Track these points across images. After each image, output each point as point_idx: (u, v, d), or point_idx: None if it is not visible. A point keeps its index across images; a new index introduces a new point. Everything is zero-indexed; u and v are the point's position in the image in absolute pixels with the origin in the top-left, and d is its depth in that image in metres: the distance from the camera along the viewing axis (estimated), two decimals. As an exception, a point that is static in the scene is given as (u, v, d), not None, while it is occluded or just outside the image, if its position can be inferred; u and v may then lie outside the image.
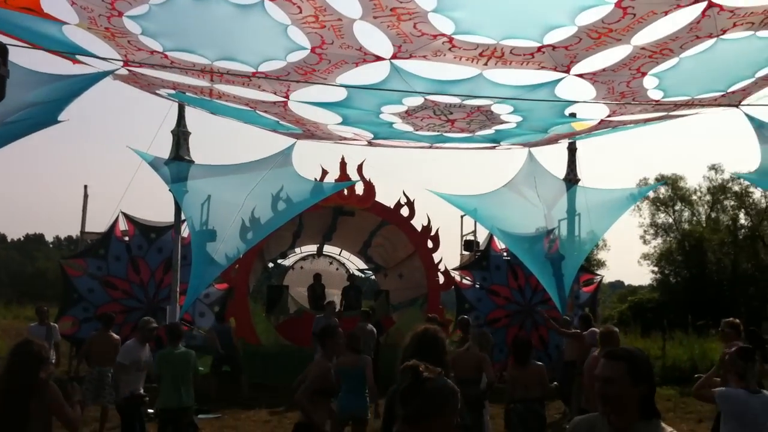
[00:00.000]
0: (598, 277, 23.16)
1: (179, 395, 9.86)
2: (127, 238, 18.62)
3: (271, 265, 27.61)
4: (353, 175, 20.65)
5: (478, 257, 20.90)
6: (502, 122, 11.94)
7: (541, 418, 9.75)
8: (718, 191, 45.24)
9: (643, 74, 9.37)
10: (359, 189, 21.09)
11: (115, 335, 13.01)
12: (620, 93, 10.10)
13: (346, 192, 20.69)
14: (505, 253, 20.38)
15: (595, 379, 3.87)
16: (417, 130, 12.47)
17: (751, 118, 10.82)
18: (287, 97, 10.53)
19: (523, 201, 15.30)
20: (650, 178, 47.31)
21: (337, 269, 28.53)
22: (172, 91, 11.07)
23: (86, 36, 8.48)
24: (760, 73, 9.43)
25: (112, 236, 18.42)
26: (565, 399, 14.73)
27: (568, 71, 9.27)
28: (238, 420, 14.55)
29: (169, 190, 13.91)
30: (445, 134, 12.78)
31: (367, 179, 21.09)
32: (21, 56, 8.26)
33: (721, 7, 7.41)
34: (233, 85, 10.12)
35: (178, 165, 14.42)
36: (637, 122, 12.21)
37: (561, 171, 17.06)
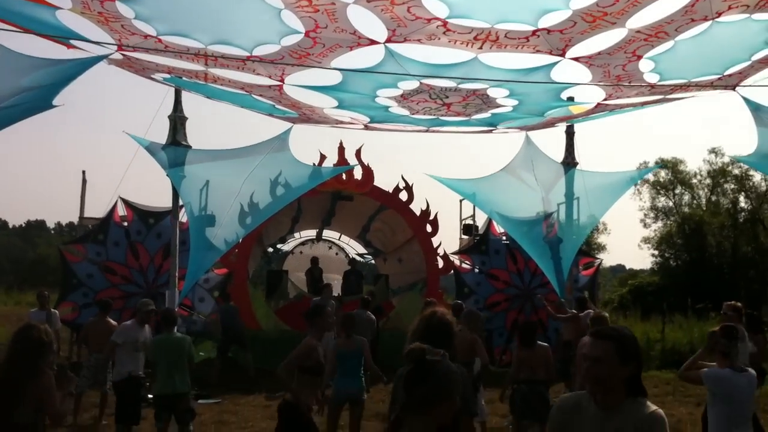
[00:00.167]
0: (598, 260, 23.18)
1: (173, 381, 9.84)
2: (125, 224, 18.63)
3: (270, 250, 27.66)
4: (351, 159, 20.66)
5: (477, 241, 20.92)
6: (498, 106, 11.93)
7: (545, 401, 9.78)
8: (719, 174, 45.17)
9: (639, 57, 9.36)
10: (358, 174, 21.10)
11: (112, 321, 13.02)
12: (616, 76, 10.08)
13: (344, 177, 20.70)
14: (504, 237, 20.40)
15: (584, 358, 3.88)
16: (413, 114, 12.46)
17: (747, 101, 10.79)
18: (282, 80, 10.51)
19: (520, 185, 15.31)
20: (650, 161, 47.34)
21: (336, 254, 28.61)
22: (168, 76, 11.05)
23: (80, 21, 8.45)
24: (756, 56, 9.40)
25: (111, 222, 18.45)
26: (565, 379, 14.77)
27: (563, 55, 9.25)
28: (237, 405, 14.57)
29: (167, 175, 13.89)
30: (442, 118, 12.78)
31: (366, 164, 21.10)
32: (14, 41, 8.23)
33: (716, -11, 7.40)
34: (228, 69, 10.10)
35: (175, 150, 14.40)
36: (634, 105, 12.20)
37: (559, 154, 17.05)
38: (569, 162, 16.88)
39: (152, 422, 10.34)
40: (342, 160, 20.37)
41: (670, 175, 46.59)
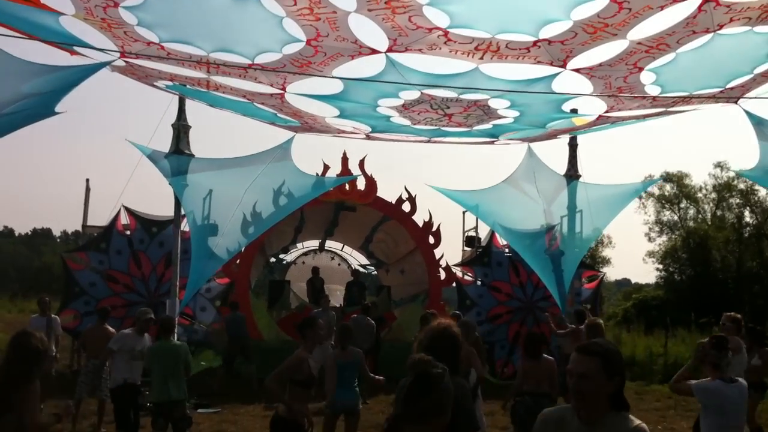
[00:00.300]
0: (600, 273, 23.16)
1: (168, 389, 9.86)
2: (128, 232, 18.67)
3: (273, 260, 27.67)
4: (355, 170, 20.69)
5: (480, 253, 20.93)
6: (500, 117, 11.92)
7: None
8: (724, 189, 45.11)
9: (640, 69, 9.34)
10: (361, 184, 21.12)
11: (110, 328, 13.05)
12: (617, 88, 10.07)
13: (347, 187, 20.74)
14: (506, 250, 20.39)
15: (569, 374, 3.86)
16: (414, 124, 12.46)
17: (750, 115, 10.77)
18: (284, 89, 10.51)
19: (522, 196, 15.30)
20: (656, 175, 47.24)
21: (339, 264, 28.62)
22: (170, 83, 11.07)
23: (83, 27, 8.46)
24: (759, 69, 9.38)
25: (114, 230, 18.51)
26: (566, 393, 14.73)
27: (564, 66, 9.24)
28: (237, 414, 14.59)
29: (169, 183, 13.89)
30: (443, 128, 12.77)
31: (369, 174, 21.12)
32: (18, 47, 8.23)
33: (717, 1, 7.38)
34: (230, 76, 10.11)
35: (178, 158, 14.41)
36: (636, 118, 12.18)
37: (562, 167, 17.05)
38: (572, 174, 16.89)
39: (150, 430, 10.33)
40: (345, 170, 20.41)
41: (676, 189, 46.53)
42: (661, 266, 45.56)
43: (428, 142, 14.30)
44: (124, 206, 18.53)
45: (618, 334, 27.16)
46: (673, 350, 23.48)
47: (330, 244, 28.62)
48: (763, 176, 12.13)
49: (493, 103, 11.13)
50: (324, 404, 9.90)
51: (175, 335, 14.10)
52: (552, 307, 17.41)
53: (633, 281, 68.84)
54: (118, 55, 9.16)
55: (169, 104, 14.60)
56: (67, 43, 8.61)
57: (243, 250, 19.58)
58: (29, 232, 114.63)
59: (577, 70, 9.42)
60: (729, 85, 9.95)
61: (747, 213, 44.76)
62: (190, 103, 14.62)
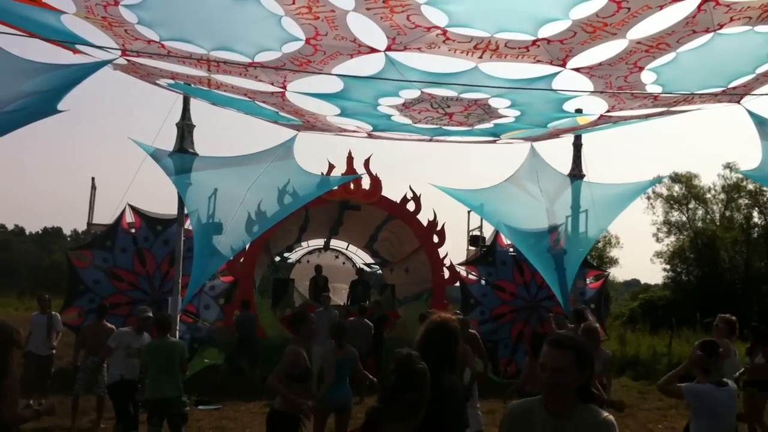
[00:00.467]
0: (605, 273, 23.15)
1: (163, 386, 9.88)
2: (133, 230, 18.69)
3: (277, 258, 27.70)
4: (359, 169, 20.72)
5: (484, 253, 20.90)
6: (501, 116, 11.92)
7: None
8: (733, 190, 45.03)
9: (641, 69, 9.32)
10: (365, 183, 21.15)
11: (109, 325, 13.11)
12: (618, 88, 10.06)
13: (352, 186, 20.75)
14: (511, 249, 20.37)
15: (542, 367, 3.88)
16: (416, 123, 12.47)
17: (752, 115, 10.74)
18: (284, 87, 10.53)
19: (525, 196, 15.28)
20: (665, 176, 47.15)
21: (343, 263, 28.65)
22: (172, 81, 11.09)
23: (85, 25, 8.49)
24: (761, 69, 9.34)
25: (119, 228, 18.48)
26: None
27: (564, 65, 9.23)
28: (237, 411, 14.64)
29: (172, 182, 13.91)
30: (445, 127, 12.78)
31: (374, 174, 21.14)
32: (18, 46, 8.27)
33: (717, 1, 7.35)
34: (230, 75, 10.13)
35: (181, 157, 14.44)
36: (638, 118, 12.16)
37: (566, 166, 17.03)
38: (576, 174, 16.84)
39: (148, 426, 10.37)
40: (350, 169, 20.42)
41: (684, 190, 46.44)
42: (668, 266, 45.48)
43: (430, 141, 14.31)
44: (129, 204, 18.54)
45: (622, 334, 27.12)
46: (677, 350, 23.45)
47: (335, 243, 28.67)
48: (766, 176, 12.09)
49: (494, 103, 11.13)
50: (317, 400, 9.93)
51: (177, 333, 14.22)
52: (556, 307, 17.38)
53: (642, 282, 68.77)
54: (120, 53, 9.19)
55: (173, 103, 14.56)
56: (67, 41, 8.63)
57: (247, 248, 19.65)
58: (40, 231, 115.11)
59: (577, 70, 9.41)
60: (731, 85, 9.92)
61: (755, 214, 44.69)
62: (194, 103, 14.66)
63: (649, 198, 47.19)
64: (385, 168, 56.16)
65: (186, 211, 14.12)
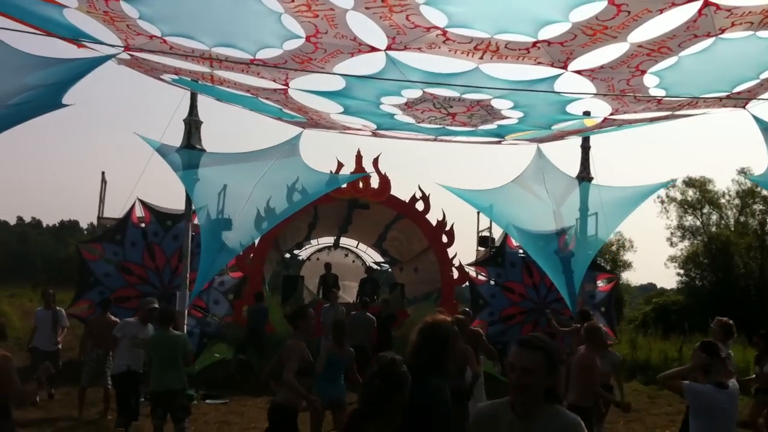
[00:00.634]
0: (615, 276, 23.06)
1: (166, 378, 9.92)
2: (143, 225, 18.79)
3: (287, 255, 27.78)
4: (368, 168, 20.75)
5: (494, 253, 20.88)
6: (504, 117, 11.91)
7: None
8: (747, 195, 44.71)
9: (643, 72, 9.29)
10: (374, 182, 21.16)
11: (113, 318, 13.17)
12: (620, 91, 10.02)
13: (361, 185, 20.78)
14: (520, 250, 20.34)
15: (511, 368, 3.88)
16: (419, 123, 12.48)
17: (758, 120, 10.68)
18: (287, 84, 10.56)
19: (531, 197, 15.25)
20: (678, 180, 46.89)
21: (353, 261, 28.69)
22: (175, 77, 11.12)
23: (88, 20, 8.53)
24: (765, 75, 9.30)
25: (129, 222, 18.60)
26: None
27: (565, 68, 9.21)
28: (243, 406, 14.68)
29: (179, 177, 13.97)
30: (448, 127, 12.78)
31: (383, 173, 21.15)
32: (22, 41, 8.33)
33: (717, 6, 7.32)
34: (233, 71, 10.15)
35: (189, 153, 14.51)
36: (642, 121, 12.12)
37: (573, 168, 16.98)
38: (584, 177, 16.80)
39: (151, 418, 10.42)
40: (359, 168, 20.44)
41: (698, 195, 46.18)
42: (682, 271, 45.24)
43: (435, 140, 14.31)
44: (139, 199, 18.65)
45: (634, 338, 26.94)
46: (688, 355, 23.11)
47: (345, 241, 28.75)
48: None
49: (496, 104, 11.12)
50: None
51: (185, 327, 14.29)
52: (565, 308, 17.34)
53: (659, 286, 68.45)
54: (123, 48, 9.23)
55: (181, 100, 14.65)
56: (73, 36, 8.67)
57: (257, 245, 19.73)
58: (57, 224, 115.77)
59: (579, 72, 9.39)
60: (735, 90, 9.87)
61: (771, 219, 44.38)
62: (201, 99, 14.73)
63: (663, 202, 47.01)
64: (393, 167, 56.16)
65: (193, 207, 14.15)
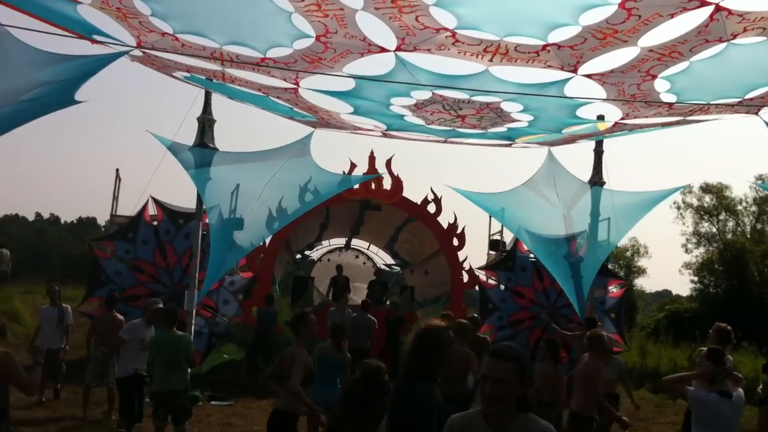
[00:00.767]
0: (627, 282, 22.97)
1: (169, 379, 9.94)
2: (155, 223, 18.84)
3: (298, 256, 27.82)
4: (381, 169, 20.78)
5: (504, 257, 20.81)
6: (514, 120, 11.88)
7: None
8: (765, 202, 44.41)
9: (653, 77, 9.25)
10: (387, 184, 21.17)
11: (119, 316, 13.21)
12: (631, 95, 9.99)
13: (373, 186, 20.78)
14: (531, 255, 20.27)
15: (483, 378, 3.88)
16: (429, 124, 12.48)
17: (770, 127, 10.64)
18: (297, 83, 10.57)
19: (542, 201, 15.21)
20: (695, 186, 46.67)
21: (364, 263, 28.71)
22: (188, 74, 11.16)
23: (101, 16, 8.57)
24: (779, 81, 9.26)
25: (141, 220, 18.65)
26: None
27: (575, 71, 9.18)
28: (248, 408, 14.74)
29: (190, 176, 13.99)
30: (458, 129, 12.76)
31: (396, 174, 21.15)
32: (32, 36, 8.37)
33: (729, 11, 7.28)
34: (244, 69, 10.17)
35: (201, 151, 14.54)
36: (653, 126, 12.07)
37: (586, 173, 16.94)
38: (596, 181, 16.76)
39: (152, 419, 10.46)
40: (372, 169, 20.44)
41: (715, 201, 45.95)
42: (696, 278, 44.99)
43: (445, 142, 14.30)
44: (152, 197, 18.71)
45: (644, 345, 26.82)
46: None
47: (356, 243, 28.77)
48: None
49: (506, 107, 11.10)
50: None
51: (193, 327, 14.32)
52: (573, 315, 17.29)
53: (674, 293, 68.11)
54: (135, 44, 9.27)
55: (195, 98, 14.68)
56: (77, 32, 8.70)
57: (267, 245, 19.76)
58: (75, 221, 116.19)
59: (589, 76, 9.36)
60: (747, 96, 9.82)
61: (787, 227, 44.10)
62: (216, 98, 14.76)
63: (679, 208, 46.80)
64: (406, 168, 56.11)
65: (204, 206, 14.18)
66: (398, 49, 8.81)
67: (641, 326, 40.51)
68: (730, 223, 46.51)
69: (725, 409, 6.90)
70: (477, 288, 20.87)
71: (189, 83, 12.01)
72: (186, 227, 18.60)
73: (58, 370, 14.23)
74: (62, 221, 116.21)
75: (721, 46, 8.27)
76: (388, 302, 21.88)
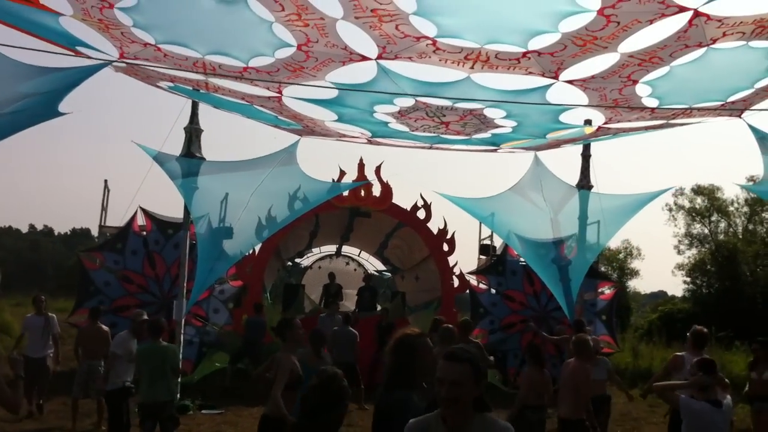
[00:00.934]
0: (617, 284, 23.00)
1: (155, 390, 9.93)
2: (144, 233, 18.80)
3: (289, 264, 27.81)
4: (370, 176, 20.77)
5: (494, 262, 20.84)
6: (497, 126, 11.91)
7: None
8: (756, 203, 44.43)
9: (635, 82, 9.28)
10: (376, 190, 21.15)
11: (104, 327, 13.14)
12: (613, 100, 10.02)
13: (362, 193, 20.77)
14: (521, 259, 20.28)
15: (439, 382, 3.90)
16: (413, 131, 12.49)
17: (754, 129, 10.69)
18: (280, 92, 10.59)
19: (529, 205, 15.21)
20: (686, 188, 46.75)
21: (355, 270, 28.71)
22: (172, 84, 11.16)
23: (83, 27, 8.57)
24: (759, 84, 9.29)
25: (130, 231, 18.61)
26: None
27: (556, 77, 9.21)
28: (239, 417, 14.71)
29: (177, 186, 13.96)
30: (443, 136, 12.78)
31: (385, 181, 21.13)
32: (15, 50, 8.38)
33: (708, 16, 7.31)
34: (227, 79, 10.17)
35: (188, 161, 14.54)
36: (637, 130, 12.11)
37: (573, 177, 16.96)
38: (584, 185, 16.80)
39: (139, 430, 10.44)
40: (361, 176, 20.42)
41: (707, 202, 46.02)
42: (688, 279, 45.04)
43: (430, 148, 14.31)
44: (140, 207, 18.68)
45: (636, 346, 26.87)
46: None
47: (346, 250, 28.78)
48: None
49: (489, 113, 11.12)
50: None
51: (182, 336, 14.29)
52: (563, 318, 17.31)
53: (669, 294, 68.19)
54: (118, 55, 9.27)
55: (182, 108, 14.70)
56: (60, 44, 8.70)
57: (257, 253, 19.75)
58: (68, 232, 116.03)
59: (570, 82, 9.39)
60: (730, 99, 9.86)
61: (779, 227, 44.15)
62: (203, 107, 14.76)
63: (671, 210, 46.87)
64: (395, 175, 56.01)
65: (191, 216, 14.16)
66: (379, 57, 8.84)
67: (635, 327, 40.54)
68: (722, 224, 46.59)
69: (717, 419, 6.95)
70: (468, 292, 20.84)
71: (174, 93, 12.01)
72: (175, 237, 18.57)
73: (44, 380, 14.00)
74: (56, 233, 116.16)
75: (701, 50, 8.31)
76: (379, 308, 21.85)
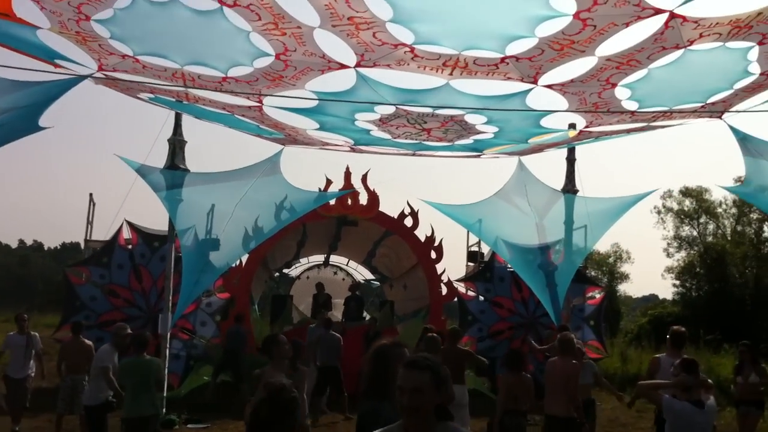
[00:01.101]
0: (605, 289, 23.01)
1: (138, 404, 9.85)
2: (130, 247, 18.70)
3: (277, 274, 27.75)
4: (356, 185, 20.72)
5: (482, 269, 20.81)
6: (479, 132, 11.90)
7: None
8: (744, 204, 44.52)
9: (614, 85, 9.30)
10: (363, 199, 21.09)
11: (87, 341, 13.02)
12: (593, 104, 10.03)
13: (349, 201, 20.71)
14: (509, 265, 20.26)
15: (400, 390, 3.87)
16: (395, 138, 12.47)
17: (734, 130, 10.73)
18: (260, 101, 10.57)
19: (514, 210, 15.21)
20: (675, 191, 46.88)
21: (343, 279, 28.66)
22: (152, 95, 11.13)
23: (61, 41, 8.55)
24: (738, 85, 9.32)
25: (116, 244, 18.50)
26: None
27: (535, 82, 9.22)
28: (225, 430, 14.64)
29: (160, 198, 13.89)
30: (425, 143, 12.77)
31: (372, 189, 21.08)
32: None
33: (684, 18, 7.33)
34: (206, 89, 10.15)
35: (172, 173, 14.48)
36: (618, 132, 12.12)
37: (558, 181, 16.98)
38: (569, 189, 16.80)
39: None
40: (348, 184, 20.37)
41: (695, 204, 46.12)
42: (678, 282, 45.13)
43: (413, 155, 14.30)
44: (126, 220, 18.60)
45: (624, 351, 26.87)
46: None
47: (334, 259, 28.73)
48: (751, 192, 12.04)
49: (470, 119, 11.11)
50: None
51: (167, 350, 14.20)
52: (551, 324, 17.29)
53: (661, 297, 68.30)
54: (96, 68, 9.24)
55: (165, 119, 14.66)
56: (39, 58, 8.67)
57: (244, 264, 19.67)
58: (58, 246, 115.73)
59: (550, 86, 9.40)
60: (710, 100, 9.88)
61: (766, 228, 44.21)
62: (187, 119, 14.71)
63: (659, 213, 46.99)
64: (382, 183, 55.88)
65: (175, 228, 14.11)
66: (358, 65, 8.83)
67: (625, 332, 40.60)
68: (711, 226, 46.73)
69: (700, 420, 6.94)
70: (456, 300, 20.80)
71: (155, 104, 11.98)
72: (161, 250, 18.46)
73: (23, 399, 13.68)
74: (46, 247, 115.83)
75: (679, 52, 8.32)
76: (367, 317, 21.79)
